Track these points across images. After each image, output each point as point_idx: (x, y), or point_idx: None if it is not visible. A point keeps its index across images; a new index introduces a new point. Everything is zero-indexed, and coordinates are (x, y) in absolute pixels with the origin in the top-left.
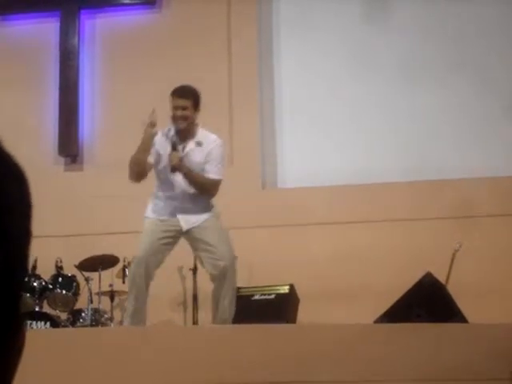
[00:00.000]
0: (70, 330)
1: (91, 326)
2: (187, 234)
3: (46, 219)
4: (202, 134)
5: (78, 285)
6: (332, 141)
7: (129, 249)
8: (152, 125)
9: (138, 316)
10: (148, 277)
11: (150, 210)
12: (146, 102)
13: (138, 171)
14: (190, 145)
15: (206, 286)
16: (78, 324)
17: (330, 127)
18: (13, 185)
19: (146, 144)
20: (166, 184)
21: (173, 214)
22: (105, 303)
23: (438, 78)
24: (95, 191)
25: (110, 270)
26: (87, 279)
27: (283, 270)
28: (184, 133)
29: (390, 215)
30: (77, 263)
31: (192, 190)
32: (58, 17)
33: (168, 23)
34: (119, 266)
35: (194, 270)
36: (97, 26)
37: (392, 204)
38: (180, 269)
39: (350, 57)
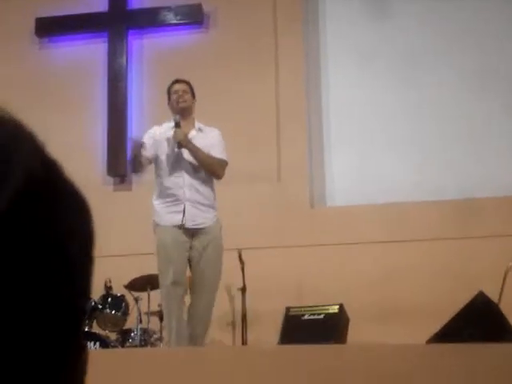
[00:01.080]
0: (120, 350)
1: (140, 346)
2: (190, 233)
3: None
4: (200, 124)
5: (127, 305)
6: (382, 157)
7: None
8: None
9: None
10: (176, 291)
11: (159, 215)
12: None
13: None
14: (192, 132)
15: (254, 305)
16: (128, 344)
17: (380, 143)
18: (73, 212)
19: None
20: (170, 171)
21: (180, 212)
22: (154, 323)
23: (503, 90)
24: (143, 211)
25: (159, 290)
26: (136, 299)
27: (333, 289)
28: (185, 119)
29: (442, 233)
30: (126, 283)
31: (197, 178)
32: (106, 38)
33: (215, 42)
34: None
35: (243, 290)
36: (144, 47)
37: (444, 222)
38: (228, 288)
39: (402, 70)
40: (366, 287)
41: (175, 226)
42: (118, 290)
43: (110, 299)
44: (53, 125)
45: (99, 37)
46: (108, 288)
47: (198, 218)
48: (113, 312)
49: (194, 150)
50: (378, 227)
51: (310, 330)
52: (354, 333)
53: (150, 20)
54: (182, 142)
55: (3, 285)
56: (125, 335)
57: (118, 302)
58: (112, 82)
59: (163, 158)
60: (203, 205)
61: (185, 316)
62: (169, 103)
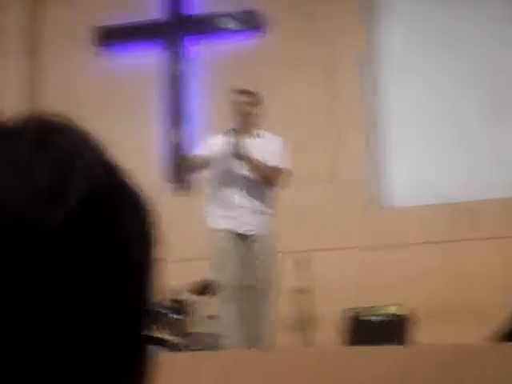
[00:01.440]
0: (183, 354)
1: (203, 349)
2: (244, 238)
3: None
4: (262, 131)
5: (189, 309)
6: (439, 156)
7: None
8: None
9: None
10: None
11: (212, 221)
12: None
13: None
14: (252, 139)
15: (316, 307)
16: (191, 348)
17: (437, 143)
18: (135, 217)
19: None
20: (223, 178)
21: (234, 218)
22: (216, 326)
23: None
24: (202, 215)
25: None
26: (198, 303)
27: (393, 290)
28: (245, 127)
29: (497, 232)
30: (188, 287)
31: (253, 182)
32: (164, 45)
33: (272, 47)
34: None
35: (305, 292)
36: (201, 53)
37: (500, 221)
38: (290, 291)
39: (457, 69)
40: (426, 287)
41: (229, 232)
42: (180, 293)
43: (172, 303)
44: (112, 132)
45: (157, 44)
46: (170, 292)
47: (250, 224)
48: (175, 316)
49: (248, 160)
50: (435, 227)
51: (372, 332)
52: (416, 333)
53: (207, 26)
54: (237, 152)
55: (67, 289)
56: (188, 339)
57: (181, 306)
58: (170, 88)
59: (217, 164)
60: (256, 212)
61: (241, 319)
62: (231, 110)
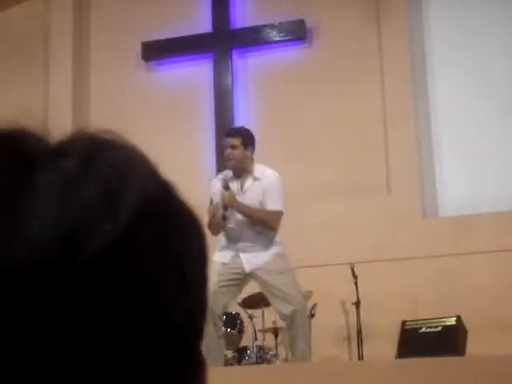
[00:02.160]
0: (237, 368)
1: (257, 363)
2: (253, 275)
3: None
4: (258, 169)
5: (242, 322)
6: (493, 164)
7: None
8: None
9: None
10: (214, 323)
11: (216, 252)
12: (301, 136)
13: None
14: (248, 181)
15: (369, 320)
16: (244, 362)
17: (493, 149)
18: (187, 230)
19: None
20: (229, 224)
21: (235, 255)
22: (269, 340)
23: None
24: None
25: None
26: (251, 316)
27: (449, 301)
28: (240, 171)
29: None
30: (240, 301)
31: (251, 228)
32: (211, 58)
33: (319, 57)
34: None
35: (357, 304)
36: (249, 65)
37: None
38: (343, 303)
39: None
40: (483, 298)
41: (234, 268)
42: (233, 308)
43: (225, 317)
44: (161, 146)
45: (204, 58)
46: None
47: (255, 261)
48: (228, 330)
49: (242, 210)
50: (492, 236)
51: (427, 343)
52: (472, 345)
53: (253, 38)
54: (228, 205)
55: (122, 299)
56: (241, 353)
57: (233, 320)
58: (218, 101)
59: (220, 210)
60: (259, 251)
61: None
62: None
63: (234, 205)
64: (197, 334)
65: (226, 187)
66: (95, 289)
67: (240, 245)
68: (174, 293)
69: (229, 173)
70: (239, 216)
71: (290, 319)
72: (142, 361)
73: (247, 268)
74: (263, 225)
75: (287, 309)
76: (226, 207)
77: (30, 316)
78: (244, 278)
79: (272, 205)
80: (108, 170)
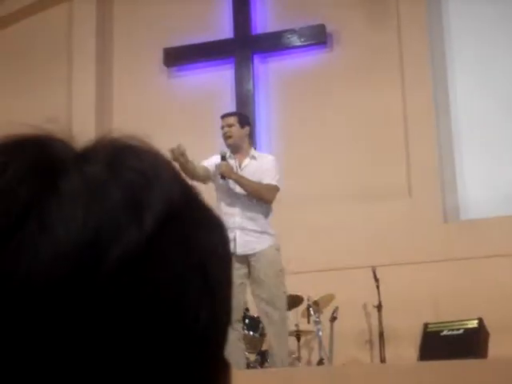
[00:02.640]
0: (259, 371)
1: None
2: (243, 260)
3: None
4: (256, 152)
5: (264, 326)
6: None
7: (311, 288)
8: (177, 156)
9: None
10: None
11: None
12: (322, 141)
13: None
14: (246, 160)
15: (391, 322)
16: (266, 365)
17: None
18: (211, 234)
19: (185, 168)
20: (224, 199)
21: (232, 238)
22: (291, 343)
23: None
24: (275, 231)
25: (295, 309)
26: None
27: (470, 303)
28: (237, 148)
29: None
30: None
31: (250, 203)
32: (233, 64)
33: (340, 61)
34: (303, 305)
35: (379, 307)
36: (270, 70)
37: None
38: (364, 306)
39: None
40: (505, 300)
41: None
42: (255, 311)
43: (247, 320)
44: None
45: (225, 63)
46: (245, 309)
47: (249, 244)
48: (250, 333)
49: (238, 179)
50: None
51: (449, 346)
52: (494, 347)
53: (274, 44)
54: (224, 173)
55: (146, 306)
56: (263, 356)
57: (255, 323)
58: (240, 107)
59: (217, 187)
60: (255, 231)
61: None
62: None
63: (231, 174)
64: (221, 337)
65: (223, 158)
66: (119, 296)
67: (237, 222)
68: (199, 297)
69: (227, 150)
70: (236, 189)
71: (268, 321)
72: (167, 366)
73: (239, 250)
74: (258, 197)
75: (274, 312)
76: (223, 176)
77: (53, 322)
78: (245, 263)
79: (268, 180)
80: (133, 176)
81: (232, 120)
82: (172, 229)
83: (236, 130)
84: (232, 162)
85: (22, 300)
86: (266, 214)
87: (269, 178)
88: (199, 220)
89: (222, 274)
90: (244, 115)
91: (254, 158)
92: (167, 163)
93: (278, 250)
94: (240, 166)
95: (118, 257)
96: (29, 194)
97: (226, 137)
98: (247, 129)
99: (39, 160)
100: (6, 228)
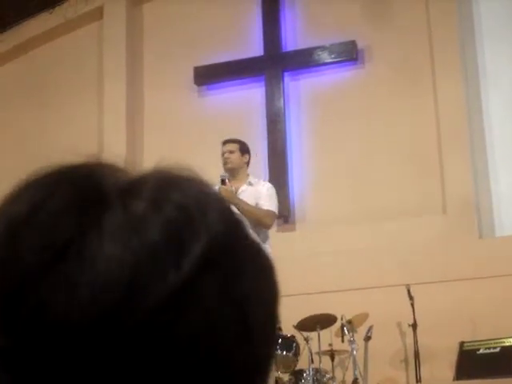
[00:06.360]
0: None
1: None
2: None
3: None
4: (253, 179)
5: (297, 345)
6: None
7: (345, 307)
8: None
9: None
10: None
11: None
12: (354, 158)
13: None
14: (243, 187)
15: (427, 341)
16: None
17: None
18: (255, 275)
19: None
20: None
21: None
22: (325, 363)
23: None
24: (307, 250)
25: (329, 328)
26: (306, 339)
27: (507, 321)
28: (236, 174)
29: None
30: (295, 323)
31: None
32: (263, 81)
33: (371, 77)
34: (337, 324)
35: (414, 326)
36: (301, 87)
37: None
38: (399, 325)
39: None
40: None
41: None
42: (288, 330)
43: (280, 340)
44: (215, 171)
45: (256, 81)
46: (278, 329)
47: None
48: (284, 353)
49: (239, 204)
50: None
51: (486, 365)
52: None
53: (305, 61)
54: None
55: (179, 351)
56: (297, 376)
57: (289, 343)
58: (271, 124)
59: None
60: None
61: None
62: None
63: (231, 198)
64: (261, 380)
65: (223, 182)
66: (152, 338)
67: None
68: (237, 341)
69: (227, 175)
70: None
71: None
72: None
73: None
74: (257, 221)
75: None
76: None
77: (84, 361)
78: None
79: (267, 206)
80: (175, 213)
81: (233, 147)
82: (211, 273)
83: (237, 157)
84: (229, 187)
85: (56, 335)
86: (264, 240)
87: (268, 204)
88: (242, 265)
89: (266, 315)
90: (245, 143)
91: (250, 184)
92: (214, 196)
93: None
94: (236, 192)
95: (153, 299)
96: (71, 228)
97: (226, 163)
98: (247, 156)
99: (85, 193)
100: (45, 261)
